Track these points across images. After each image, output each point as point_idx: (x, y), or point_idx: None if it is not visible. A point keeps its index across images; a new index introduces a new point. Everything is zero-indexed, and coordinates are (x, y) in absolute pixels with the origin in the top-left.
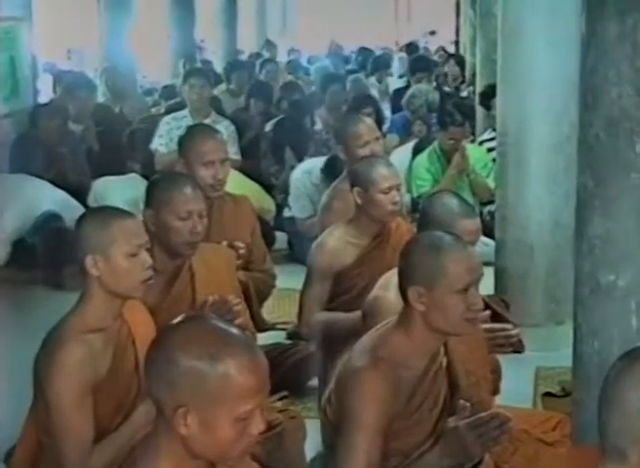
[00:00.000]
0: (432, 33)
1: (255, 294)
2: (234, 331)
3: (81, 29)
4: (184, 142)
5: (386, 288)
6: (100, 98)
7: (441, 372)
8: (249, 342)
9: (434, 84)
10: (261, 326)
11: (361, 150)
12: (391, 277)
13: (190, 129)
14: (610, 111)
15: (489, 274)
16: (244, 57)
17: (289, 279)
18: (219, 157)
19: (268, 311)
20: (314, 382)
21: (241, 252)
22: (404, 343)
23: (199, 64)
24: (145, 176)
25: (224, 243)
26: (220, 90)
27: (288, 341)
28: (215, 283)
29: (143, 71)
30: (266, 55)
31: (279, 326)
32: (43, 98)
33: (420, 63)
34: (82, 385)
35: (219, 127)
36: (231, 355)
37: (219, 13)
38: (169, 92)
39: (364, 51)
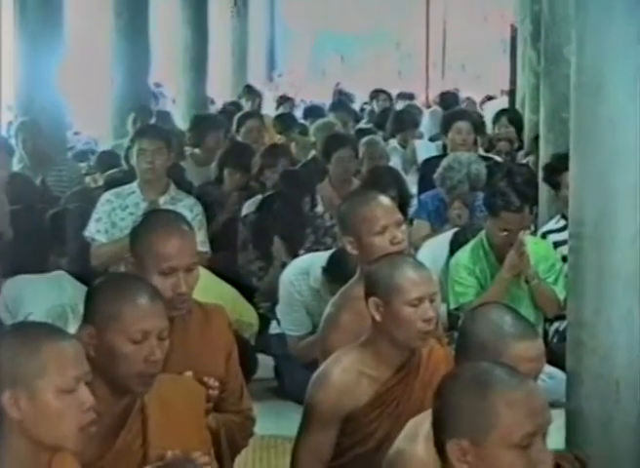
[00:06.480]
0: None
1: (227, 447)
2: None
3: None
4: (137, 238)
5: (413, 439)
6: (16, 166)
7: None
8: None
9: (480, 151)
10: None
11: (377, 239)
12: (421, 424)
13: (146, 218)
14: None
15: (558, 420)
16: (216, 108)
17: (276, 422)
18: (183, 263)
19: None
20: None
21: (212, 393)
22: None
23: (154, 119)
24: (76, 275)
25: (189, 373)
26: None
27: None
28: (175, 431)
29: (76, 126)
30: (247, 106)
31: None
32: None
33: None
34: None
35: (179, 207)
36: None
37: (182, 48)
38: (107, 158)
39: (380, 96)
